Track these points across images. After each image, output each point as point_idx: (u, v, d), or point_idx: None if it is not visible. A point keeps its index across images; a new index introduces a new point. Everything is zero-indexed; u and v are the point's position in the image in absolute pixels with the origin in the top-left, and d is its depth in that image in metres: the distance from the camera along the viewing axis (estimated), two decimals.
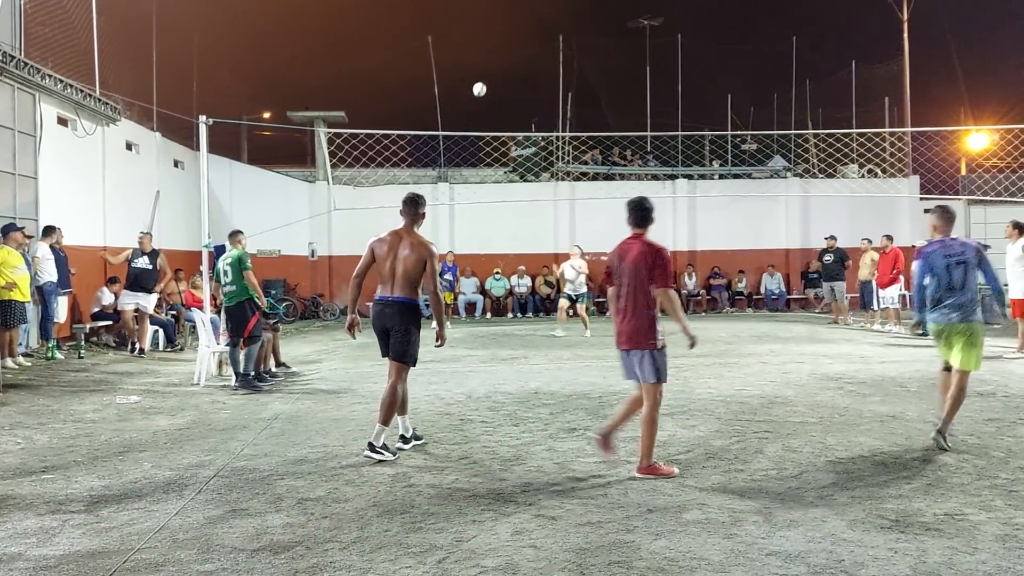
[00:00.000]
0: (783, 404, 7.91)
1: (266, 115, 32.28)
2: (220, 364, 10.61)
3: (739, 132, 24.88)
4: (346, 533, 4.39)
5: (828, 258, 17.77)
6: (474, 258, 21.86)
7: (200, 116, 11.73)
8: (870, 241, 17.04)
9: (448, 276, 18.94)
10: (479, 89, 12.96)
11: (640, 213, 5.73)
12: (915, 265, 6.35)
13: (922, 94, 28.11)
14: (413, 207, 6.32)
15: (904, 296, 16.63)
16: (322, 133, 16.53)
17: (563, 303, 16.05)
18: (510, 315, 21.27)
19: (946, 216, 6.36)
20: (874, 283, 16.35)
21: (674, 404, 7.99)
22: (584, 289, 15.95)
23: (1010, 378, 9.35)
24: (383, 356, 6.37)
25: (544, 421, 7.32)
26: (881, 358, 11.45)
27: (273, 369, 10.62)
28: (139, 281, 13.04)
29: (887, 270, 15.50)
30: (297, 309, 20.51)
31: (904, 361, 11.04)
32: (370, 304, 6.65)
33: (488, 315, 21.34)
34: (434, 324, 6.49)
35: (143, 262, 13.06)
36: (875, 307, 16.53)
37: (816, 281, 21.24)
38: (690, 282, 22.21)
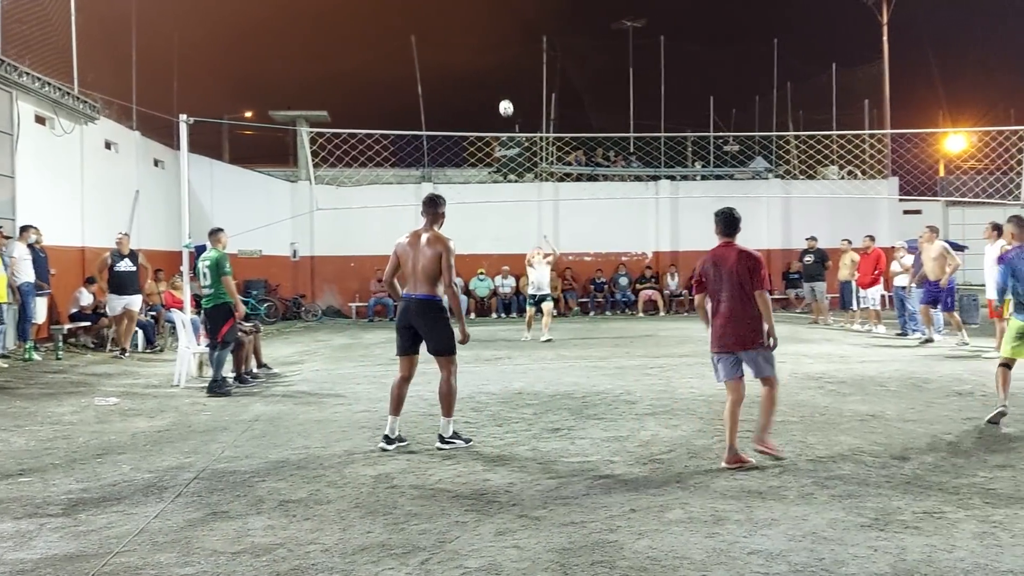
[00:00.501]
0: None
1: (248, 114, 32.10)
2: (200, 365, 10.53)
3: (721, 133, 25.03)
4: (328, 535, 4.37)
5: (809, 259, 17.90)
6: (458, 259, 21.30)
7: (181, 115, 11.64)
8: (850, 242, 17.17)
9: None
10: (506, 107, 12.53)
11: (731, 222, 5.97)
12: (999, 268, 6.92)
13: (901, 97, 28.42)
14: (432, 207, 6.51)
15: (885, 296, 16.76)
16: (304, 132, 16.47)
17: (530, 310, 15.07)
18: (494, 315, 21.27)
19: (1022, 224, 6.98)
20: (854, 283, 16.48)
21: (656, 403, 8.03)
22: (547, 290, 14.95)
23: (988, 378, 9.43)
24: (398, 354, 6.49)
25: (528, 421, 7.32)
26: (861, 358, 11.54)
27: (254, 370, 10.56)
28: (124, 284, 12.92)
29: (869, 270, 15.61)
30: (278, 310, 20.42)
31: (884, 361, 11.13)
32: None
33: (472, 315, 21.33)
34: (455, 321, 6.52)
35: (125, 264, 12.94)
36: (854, 307, 16.66)
37: (797, 281, 21.40)
38: (673, 282, 22.31)
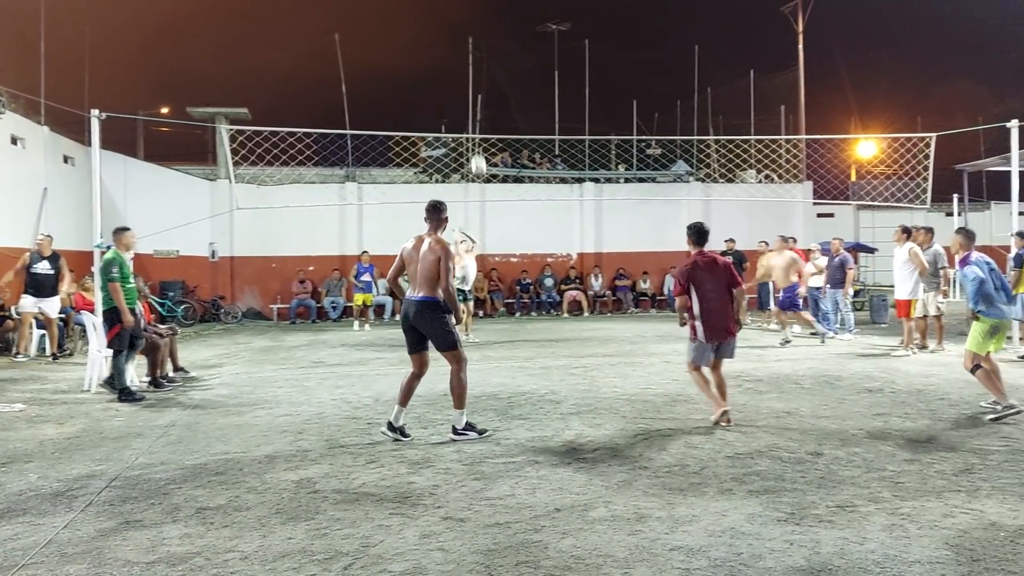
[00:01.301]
0: (685, 402, 8.12)
1: (164, 110, 31.15)
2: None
3: (644, 137, 25.47)
4: (247, 542, 4.27)
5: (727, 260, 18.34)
6: (383, 259, 21.55)
7: (92, 110, 11.21)
8: (767, 244, 17.68)
9: (366, 277, 18.56)
10: (478, 164, 12.09)
11: (704, 235, 7.29)
12: (971, 269, 7.35)
13: (816, 103, 29.44)
14: (436, 214, 6.84)
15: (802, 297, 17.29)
16: (224, 130, 16.06)
17: (468, 306, 14.88)
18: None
19: (970, 236, 7.61)
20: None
21: (580, 403, 8.11)
22: (469, 286, 14.61)
23: (896, 375, 9.85)
24: (408, 353, 6.82)
25: (452, 423, 7.28)
26: (777, 356, 11.89)
27: (171, 374, 10.25)
28: (40, 286, 12.49)
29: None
30: (196, 312, 19.85)
31: (798, 359, 11.49)
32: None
33: (397, 317, 21.14)
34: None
35: (43, 267, 12.48)
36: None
37: None
38: (596, 283, 22.57)
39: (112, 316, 9.03)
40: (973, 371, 7.29)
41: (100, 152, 11.40)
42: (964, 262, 7.52)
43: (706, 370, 7.25)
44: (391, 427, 6.65)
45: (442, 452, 6.19)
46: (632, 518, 4.55)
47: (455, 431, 6.62)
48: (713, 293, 7.04)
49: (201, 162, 26.07)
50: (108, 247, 9.57)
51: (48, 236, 12.97)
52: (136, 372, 9.91)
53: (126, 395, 8.79)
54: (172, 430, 7.20)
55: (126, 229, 9.51)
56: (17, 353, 12.27)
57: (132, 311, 9.09)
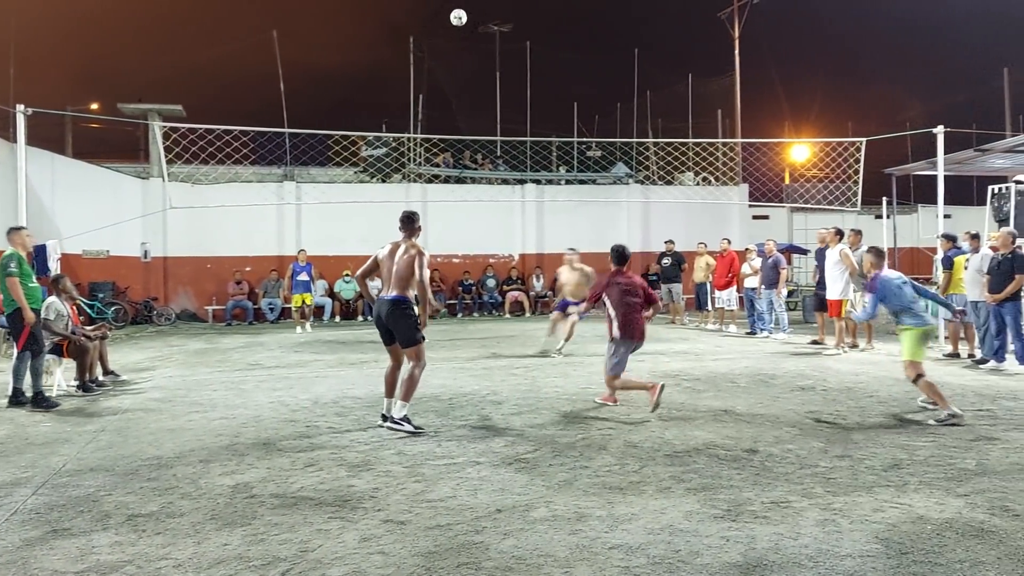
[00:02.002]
0: (625, 401, 8.20)
1: (94, 106, 30.24)
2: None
3: (585, 139, 25.65)
4: (181, 550, 4.16)
5: (666, 261, 18.64)
6: (323, 260, 21.35)
7: (18, 105, 10.84)
8: (705, 245, 17.99)
9: (303, 276, 17.97)
10: (458, 15, 11.30)
11: (625, 256, 8.25)
12: (869, 297, 7.86)
13: (751, 108, 30.10)
14: (410, 224, 7.42)
15: (737, 297, 17.65)
16: (157, 127, 15.70)
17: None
18: (360, 319, 20.93)
19: (880, 255, 7.97)
20: (709, 285, 17.30)
21: (522, 403, 8.13)
22: None
23: (827, 373, 10.12)
24: (386, 346, 7.31)
25: (393, 412, 7.22)
26: (714, 356, 12.11)
27: (100, 378, 9.94)
28: None
29: (724, 272, 16.41)
30: (128, 313, 19.29)
31: (734, 358, 11.72)
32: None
33: (337, 319, 20.92)
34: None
35: None
36: (709, 307, 17.48)
37: (655, 283, 22.24)
38: (538, 284, 22.67)
39: (17, 319, 8.47)
40: (915, 380, 7.38)
41: (26, 149, 11.02)
42: (874, 281, 7.75)
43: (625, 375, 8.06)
44: (384, 418, 7.09)
45: (382, 455, 6.13)
46: (573, 517, 4.58)
47: (390, 419, 6.97)
48: (638, 302, 8.00)
49: (133, 160, 25.38)
50: (36, 248, 9.22)
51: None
52: (64, 376, 9.60)
53: (17, 397, 8.36)
54: (102, 435, 6.98)
55: (20, 228, 9.07)
56: None
57: (36, 311, 8.63)
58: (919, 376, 7.35)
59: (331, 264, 21.32)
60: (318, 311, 20.55)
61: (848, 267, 12.19)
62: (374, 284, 7.69)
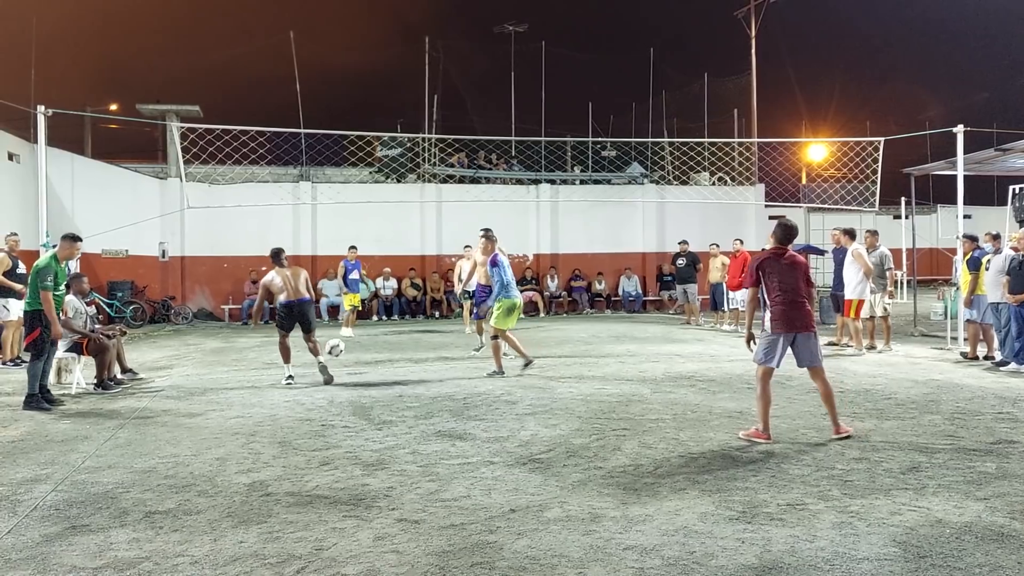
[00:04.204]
0: (640, 402, 8.18)
1: (113, 107, 30.51)
2: (59, 372, 9.90)
3: (599, 139, 25.61)
4: (198, 546, 4.19)
5: (681, 262, 18.56)
6: (338, 260, 21.43)
7: (38, 106, 10.94)
8: (718, 245, 17.93)
9: (354, 275, 16.79)
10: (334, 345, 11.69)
11: (790, 232, 6.90)
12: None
13: (768, 107, 29.98)
14: (277, 258, 10.04)
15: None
16: (175, 127, 15.78)
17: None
18: (375, 318, 20.99)
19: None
20: (724, 285, 17.23)
21: (536, 403, 8.12)
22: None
23: (844, 375, 10.05)
24: (286, 331, 9.96)
25: (408, 424, 7.26)
26: (729, 357, 12.04)
27: (119, 376, 10.02)
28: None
29: (737, 273, 16.32)
30: (146, 312, 19.45)
31: (749, 360, 11.63)
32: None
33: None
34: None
35: (22, 268, 12.01)
36: (724, 308, 17.40)
37: (670, 284, 22.23)
38: (552, 284, 22.65)
39: (33, 319, 8.50)
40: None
41: (46, 149, 11.13)
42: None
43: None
44: (291, 378, 9.65)
45: (397, 454, 6.14)
46: (587, 518, 4.57)
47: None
48: (792, 286, 6.74)
49: (151, 160, 25.57)
50: (55, 246, 9.28)
51: (17, 235, 12.43)
52: (83, 375, 9.68)
53: (32, 403, 8.30)
54: (120, 433, 7.04)
55: (78, 239, 9.00)
56: (8, 361, 11.72)
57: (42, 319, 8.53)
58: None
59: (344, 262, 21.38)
60: (333, 310, 20.65)
61: (863, 267, 12.11)
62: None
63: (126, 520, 4.63)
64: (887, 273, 12.59)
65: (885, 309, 12.62)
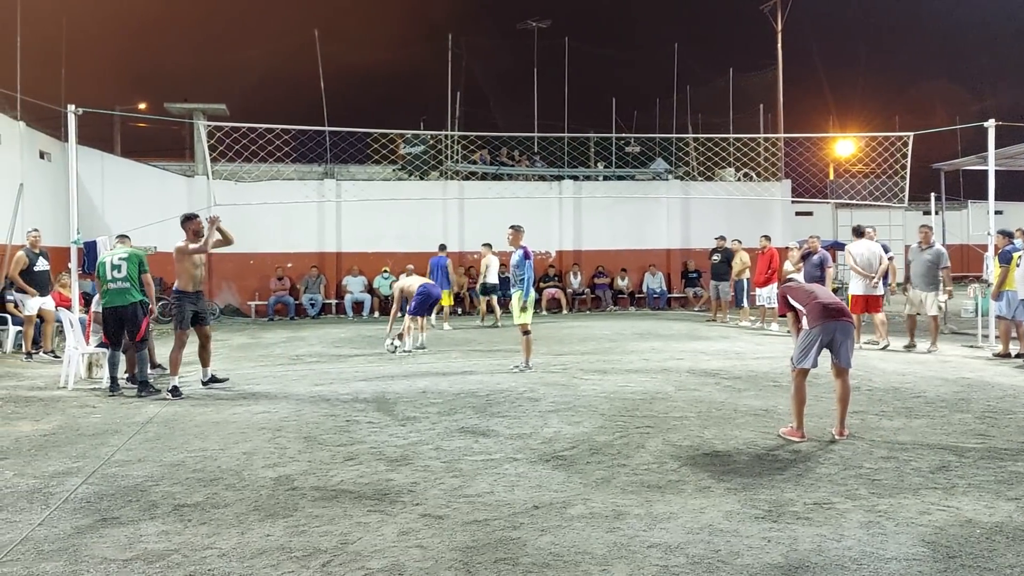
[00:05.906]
0: (664, 400, 8.15)
1: (141, 106, 30.87)
2: (90, 366, 10.06)
3: (623, 135, 25.47)
4: (225, 539, 4.24)
5: (716, 258, 18.38)
6: (361, 256, 21.57)
7: (69, 105, 11.09)
8: (740, 242, 17.81)
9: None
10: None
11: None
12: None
13: (794, 102, 29.69)
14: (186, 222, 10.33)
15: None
16: (201, 126, 15.93)
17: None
18: (399, 314, 21.03)
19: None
20: (746, 282, 17.15)
21: (559, 401, 8.12)
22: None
23: (872, 372, 9.94)
24: (190, 326, 9.52)
25: (432, 420, 7.29)
26: (755, 354, 11.96)
27: (148, 371, 10.13)
28: (44, 284, 12.47)
29: (763, 269, 16.21)
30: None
31: (776, 357, 11.56)
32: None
33: (376, 314, 21.07)
34: None
35: (43, 263, 12.38)
36: (744, 304, 17.30)
37: (695, 280, 22.10)
38: (575, 281, 22.60)
39: (139, 310, 9.32)
40: None
41: (77, 147, 11.28)
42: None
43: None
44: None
45: (421, 450, 6.17)
46: (610, 515, 4.57)
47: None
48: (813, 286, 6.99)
49: (179, 158, 25.83)
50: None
51: (38, 231, 12.81)
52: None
53: (146, 388, 9.00)
54: (149, 427, 7.14)
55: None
56: (30, 354, 12.04)
57: (114, 308, 9.25)
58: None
59: (370, 260, 21.52)
60: (358, 307, 20.77)
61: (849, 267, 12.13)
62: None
63: (155, 513, 4.69)
64: (943, 272, 12.27)
65: (939, 308, 12.42)
